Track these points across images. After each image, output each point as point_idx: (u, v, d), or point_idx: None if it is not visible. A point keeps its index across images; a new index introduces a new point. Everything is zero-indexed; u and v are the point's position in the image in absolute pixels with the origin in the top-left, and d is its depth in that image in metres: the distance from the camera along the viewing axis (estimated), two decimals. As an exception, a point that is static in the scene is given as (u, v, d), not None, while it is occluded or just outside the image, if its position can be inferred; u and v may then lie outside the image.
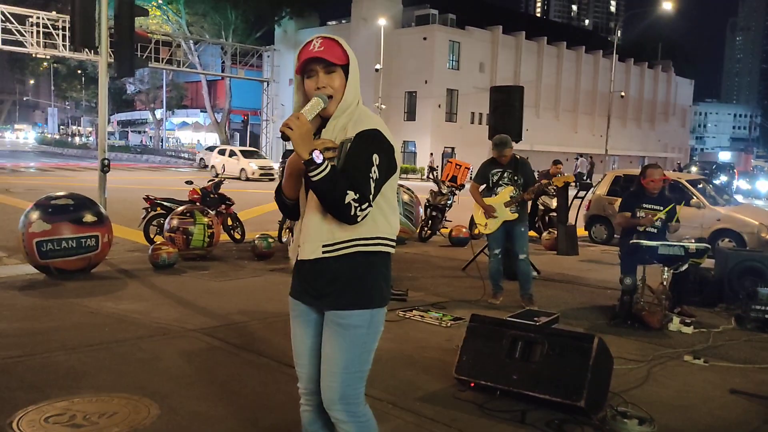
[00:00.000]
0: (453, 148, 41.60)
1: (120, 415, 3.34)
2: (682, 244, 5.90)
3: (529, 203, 7.39)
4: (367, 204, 2.11)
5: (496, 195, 6.41)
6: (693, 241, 6.88)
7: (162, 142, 55.17)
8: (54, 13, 32.18)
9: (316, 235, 2.20)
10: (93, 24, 8.90)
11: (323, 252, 2.20)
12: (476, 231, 7.03)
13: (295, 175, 2.28)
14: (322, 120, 2.27)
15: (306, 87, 2.28)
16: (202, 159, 39.03)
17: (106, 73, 9.19)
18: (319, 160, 2.05)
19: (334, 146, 2.19)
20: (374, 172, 2.14)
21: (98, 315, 5.46)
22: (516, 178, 6.37)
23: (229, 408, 3.55)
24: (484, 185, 6.51)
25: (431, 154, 36.60)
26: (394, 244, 2.32)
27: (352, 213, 2.08)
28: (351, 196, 2.07)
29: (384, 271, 2.31)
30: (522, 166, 6.44)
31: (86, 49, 9.30)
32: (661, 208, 6.23)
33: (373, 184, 2.14)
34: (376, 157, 2.15)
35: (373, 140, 2.18)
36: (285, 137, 2.09)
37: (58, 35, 30.83)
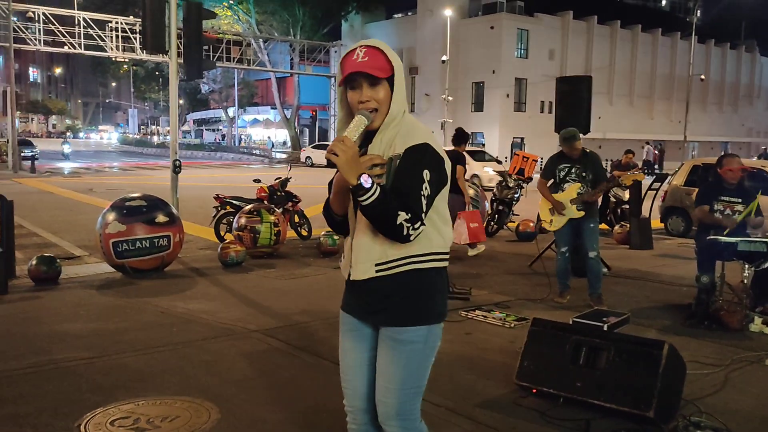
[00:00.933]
0: (522, 139, 40.81)
1: (182, 419, 3.42)
2: (764, 239, 5.53)
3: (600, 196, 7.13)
4: (419, 223, 2.05)
5: (563, 191, 6.22)
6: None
7: (234, 139, 56.67)
8: (131, 17, 33.54)
9: (368, 255, 2.16)
10: (163, 29, 9.21)
11: (377, 271, 2.16)
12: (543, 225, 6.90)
13: (341, 192, 2.21)
14: (368, 133, 2.19)
15: (349, 99, 2.19)
16: (308, 158, 36.29)
17: (177, 76, 9.50)
18: (367, 185, 1.98)
19: (383, 162, 2.13)
20: (425, 188, 2.08)
21: (168, 315, 5.63)
22: (585, 174, 6.16)
23: (287, 412, 3.57)
24: (552, 180, 6.33)
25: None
26: (447, 256, 2.27)
27: (405, 233, 2.03)
28: (403, 216, 2.01)
29: (439, 285, 2.25)
30: (592, 162, 6.21)
31: (161, 53, 9.59)
32: (740, 200, 5.87)
33: (425, 202, 2.07)
34: (426, 173, 2.09)
35: (423, 155, 2.11)
36: (330, 163, 2.00)
37: (135, 39, 32.16)
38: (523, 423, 3.50)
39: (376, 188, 2.00)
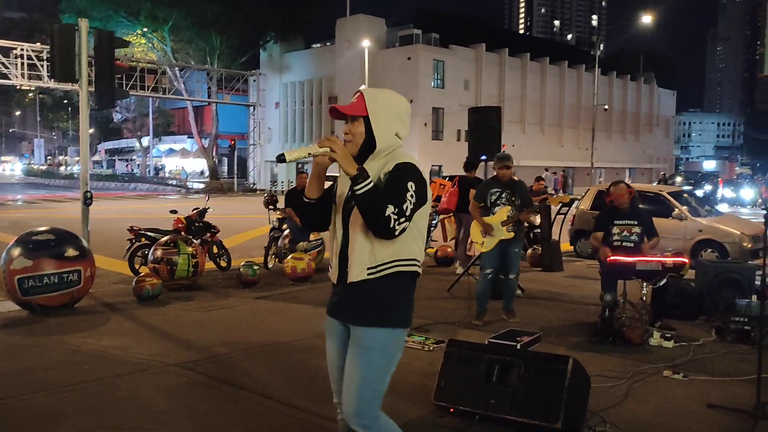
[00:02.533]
0: (440, 166, 41.76)
1: (96, 456, 3.33)
2: (659, 258, 5.96)
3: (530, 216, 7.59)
4: (404, 219, 2.40)
5: (493, 214, 6.52)
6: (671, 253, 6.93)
7: (149, 169, 55.10)
8: (38, 44, 32.27)
9: (360, 259, 2.48)
10: (73, 57, 8.95)
11: (368, 274, 2.47)
12: (472, 251, 7.41)
13: (317, 177, 2.58)
14: (358, 160, 2.53)
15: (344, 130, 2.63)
16: None
17: (87, 106, 9.22)
18: (365, 174, 2.38)
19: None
20: (410, 195, 2.44)
21: (79, 353, 5.43)
22: (513, 198, 6.51)
23: (207, 444, 3.54)
24: (483, 204, 6.64)
25: None
26: (420, 266, 2.62)
27: (391, 225, 2.36)
28: (390, 209, 2.36)
29: (408, 292, 2.59)
30: (520, 188, 6.62)
31: (70, 82, 9.32)
32: (635, 222, 6.31)
33: (410, 204, 2.43)
34: (411, 185, 2.46)
35: (408, 170, 2.51)
36: (281, 159, 2.47)
37: (42, 66, 30.92)
38: (441, 442, 3.62)
39: (371, 180, 2.39)
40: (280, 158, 2.44)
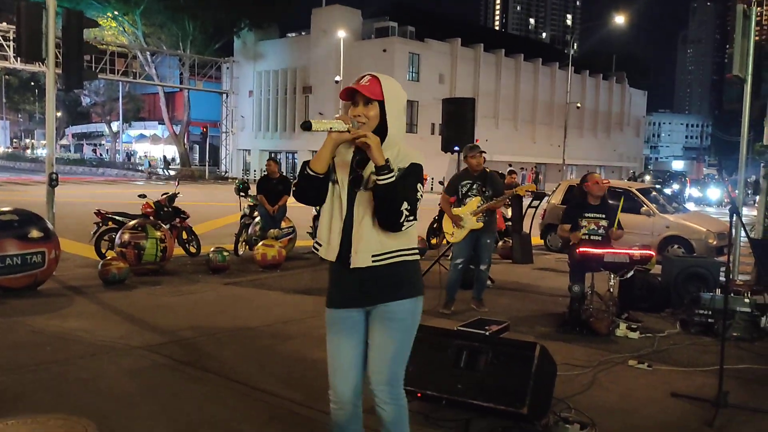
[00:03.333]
0: (414, 159, 41.84)
1: (55, 437, 3.25)
2: (626, 251, 6.03)
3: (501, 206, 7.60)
4: (413, 217, 2.55)
5: (465, 205, 6.53)
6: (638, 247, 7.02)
7: (118, 154, 54.19)
8: (4, 24, 31.45)
9: (367, 246, 2.58)
10: (40, 36, 8.74)
11: (373, 261, 2.58)
12: (444, 241, 7.40)
13: (329, 152, 2.56)
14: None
15: (351, 114, 2.60)
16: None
17: (54, 86, 9.03)
18: (391, 166, 2.49)
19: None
20: (419, 195, 2.60)
21: (41, 334, 5.31)
22: (484, 189, 6.52)
23: (170, 427, 3.49)
24: (455, 197, 6.64)
25: None
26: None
27: (401, 220, 2.50)
28: (405, 205, 2.51)
29: (419, 270, 2.79)
30: (491, 179, 6.64)
31: (37, 61, 9.10)
32: (603, 215, 6.37)
33: (418, 204, 2.59)
34: (420, 186, 2.62)
35: (419, 172, 2.65)
36: (306, 127, 2.46)
37: (8, 47, 30.17)
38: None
39: (394, 173, 2.49)
40: (306, 125, 2.46)
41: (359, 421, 2.76)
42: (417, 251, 2.73)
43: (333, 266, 2.69)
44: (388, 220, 2.52)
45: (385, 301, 2.64)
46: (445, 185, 6.94)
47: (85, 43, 9.69)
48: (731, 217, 4.24)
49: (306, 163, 2.61)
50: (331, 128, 2.48)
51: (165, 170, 45.55)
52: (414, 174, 2.61)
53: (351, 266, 2.59)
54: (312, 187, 2.61)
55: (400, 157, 2.61)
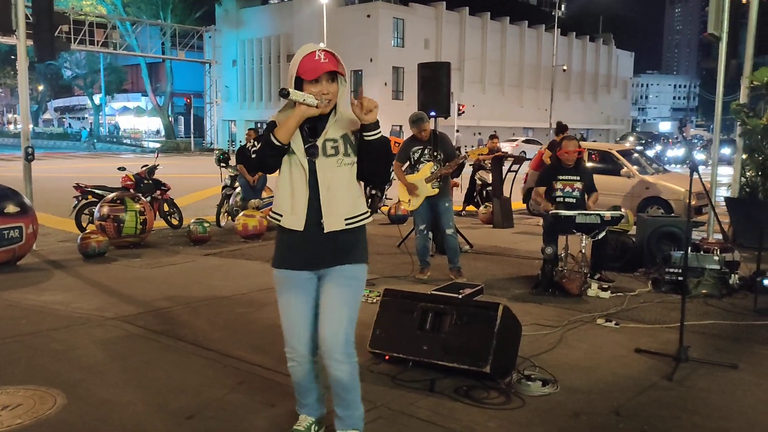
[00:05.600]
0: (401, 126, 41.67)
1: (24, 407, 3.30)
2: (597, 212, 6.10)
3: (456, 178, 7.50)
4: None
5: (417, 171, 6.50)
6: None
7: (103, 127, 53.59)
8: (-22, -4, 30.73)
9: (338, 211, 2.70)
10: (9, 6, 8.57)
11: (346, 224, 2.72)
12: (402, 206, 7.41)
13: (296, 124, 2.64)
14: (320, 118, 2.71)
15: (306, 90, 2.64)
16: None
17: (26, 58, 8.87)
18: (378, 125, 2.66)
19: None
20: None
21: (17, 308, 5.34)
22: (436, 154, 6.46)
23: (139, 393, 3.54)
24: (407, 163, 6.59)
25: None
26: None
27: (391, 168, 2.75)
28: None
29: (366, 237, 2.92)
30: (441, 141, 6.54)
31: (7, 34, 8.95)
32: (578, 178, 6.42)
33: None
34: None
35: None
36: (284, 94, 2.59)
37: (-17, 19, 29.53)
38: (375, 387, 3.68)
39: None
40: (284, 92, 2.57)
41: (316, 375, 2.91)
42: (369, 215, 2.87)
43: (293, 232, 2.73)
44: (386, 170, 2.81)
45: (343, 263, 2.76)
46: (397, 153, 6.74)
47: (58, 13, 9.53)
48: (691, 175, 4.29)
49: (269, 133, 2.64)
50: (304, 100, 2.57)
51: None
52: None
53: (325, 230, 2.68)
54: (274, 156, 2.67)
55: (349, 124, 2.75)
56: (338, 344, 2.71)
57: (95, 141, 45.83)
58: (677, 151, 30.55)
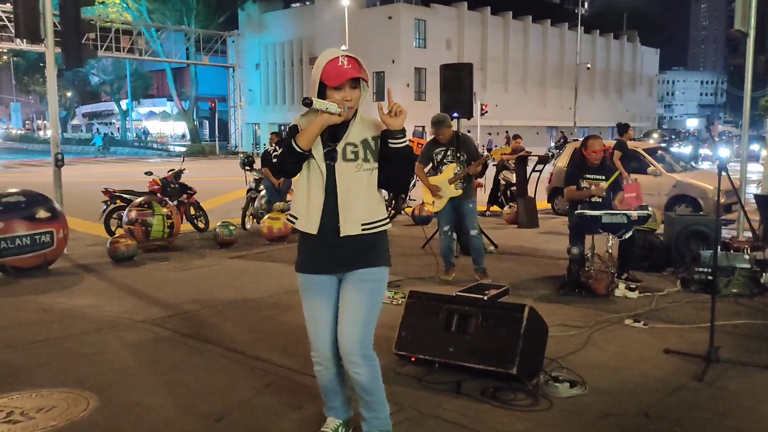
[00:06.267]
0: (423, 127, 41.56)
1: (58, 410, 3.37)
2: (624, 211, 6.03)
3: (482, 179, 7.46)
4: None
5: (441, 173, 6.50)
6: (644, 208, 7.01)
7: (130, 132, 54.42)
8: (8, 4, 31.38)
9: (354, 216, 2.69)
10: (37, 15, 8.76)
11: (362, 229, 2.72)
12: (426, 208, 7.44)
13: (319, 132, 2.64)
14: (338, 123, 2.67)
15: (329, 96, 2.65)
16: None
17: (54, 66, 9.05)
18: (405, 132, 2.67)
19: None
20: None
21: (49, 312, 5.45)
22: (459, 155, 6.45)
23: (168, 396, 3.59)
24: (430, 165, 6.59)
25: None
26: None
27: (413, 178, 2.65)
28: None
29: (387, 240, 2.92)
30: (465, 143, 6.53)
31: (36, 42, 9.15)
32: (603, 177, 6.36)
33: None
34: None
35: None
36: (307, 103, 2.57)
37: (13, 27, 30.14)
38: (402, 389, 3.69)
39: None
40: (307, 102, 2.56)
41: (342, 378, 2.93)
42: (389, 221, 2.88)
43: (309, 236, 2.75)
44: (407, 178, 2.79)
45: (362, 267, 2.76)
46: (420, 154, 6.73)
47: (84, 21, 9.70)
48: (719, 174, 4.23)
49: (291, 139, 2.64)
50: (327, 108, 2.57)
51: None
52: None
53: (341, 234, 2.68)
54: (295, 162, 2.68)
55: (375, 129, 2.75)
56: (354, 347, 2.73)
57: (109, 147, 46.22)
58: (723, 151, 30.26)
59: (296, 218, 2.78)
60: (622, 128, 10.77)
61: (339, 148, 2.70)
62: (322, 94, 2.66)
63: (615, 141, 10.84)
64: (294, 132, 2.68)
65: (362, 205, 2.71)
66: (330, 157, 2.70)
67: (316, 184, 2.72)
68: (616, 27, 61.27)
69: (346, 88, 2.65)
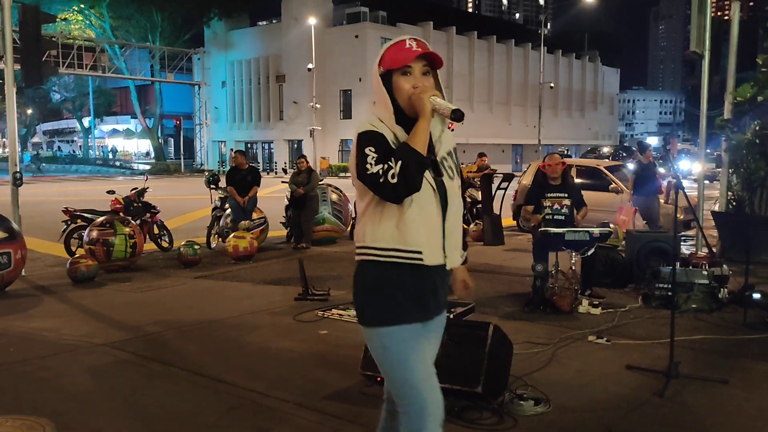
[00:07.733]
0: (390, 145, 41.81)
1: (12, 437, 3.26)
2: (586, 229, 6.13)
3: None
4: None
5: None
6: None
7: (92, 150, 53.51)
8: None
9: (457, 243, 2.23)
10: (-4, 33, 8.60)
11: (461, 261, 2.29)
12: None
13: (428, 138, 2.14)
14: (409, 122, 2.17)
15: (399, 85, 2.16)
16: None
17: (13, 83, 8.88)
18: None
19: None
20: None
21: (5, 335, 5.29)
22: None
23: (128, 422, 3.51)
24: None
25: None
26: None
27: None
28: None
29: None
30: None
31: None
32: (566, 195, 6.47)
33: None
34: None
35: None
36: (459, 117, 2.08)
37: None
38: (367, 410, 3.67)
39: None
40: (458, 114, 2.09)
41: None
42: None
43: (425, 270, 2.16)
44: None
45: (445, 310, 2.35)
46: None
47: (45, 38, 9.56)
48: (676, 193, 4.34)
49: (414, 151, 2.04)
50: (442, 107, 2.11)
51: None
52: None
53: (447, 267, 2.20)
54: (422, 173, 2.08)
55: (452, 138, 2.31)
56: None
57: (42, 165, 45.41)
58: (683, 163, 31.36)
59: (419, 251, 2.12)
60: (642, 147, 10.11)
61: (438, 158, 2.20)
62: (386, 86, 2.17)
63: (609, 158, 10.81)
64: (383, 140, 2.11)
65: (458, 230, 2.25)
66: (437, 170, 2.18)
67: (429, 202, 2.13)
68: (578, 47, 62.72)
69: (416, 72, 2.14)
